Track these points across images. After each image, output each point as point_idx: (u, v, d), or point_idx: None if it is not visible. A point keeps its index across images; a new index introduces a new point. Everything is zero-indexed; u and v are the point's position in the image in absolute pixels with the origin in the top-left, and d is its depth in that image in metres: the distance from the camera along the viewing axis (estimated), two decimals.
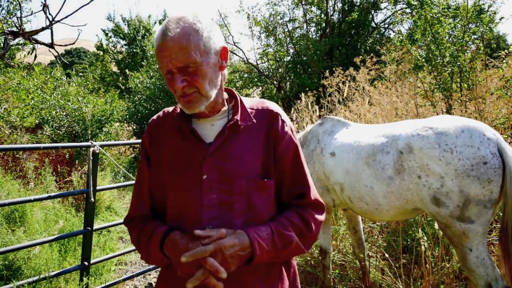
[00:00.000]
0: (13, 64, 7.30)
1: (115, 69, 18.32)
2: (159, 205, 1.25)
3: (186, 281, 1.03)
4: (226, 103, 1.25)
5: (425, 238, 2.58)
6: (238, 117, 1.19)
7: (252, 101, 1.29)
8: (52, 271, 2.98)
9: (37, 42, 7.16)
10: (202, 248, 1.02)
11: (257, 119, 1.22)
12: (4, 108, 5.57)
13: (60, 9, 6.99)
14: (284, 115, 1.27)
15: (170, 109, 1.31)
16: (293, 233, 1.16)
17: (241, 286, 1.14)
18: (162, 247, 1.13)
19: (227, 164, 1.16)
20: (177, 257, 1.07)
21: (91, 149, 2.96)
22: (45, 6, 6.71)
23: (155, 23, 18.44)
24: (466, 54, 4.62)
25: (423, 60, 4.99)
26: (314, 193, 1.27)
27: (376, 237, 3.58)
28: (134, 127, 11.06)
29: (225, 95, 1.26)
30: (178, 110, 1.27)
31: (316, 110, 5.33)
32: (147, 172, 1.26)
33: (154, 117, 1.32)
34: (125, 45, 17.81)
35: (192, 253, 1.01)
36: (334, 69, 6.24)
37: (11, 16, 7.29)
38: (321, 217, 1.25)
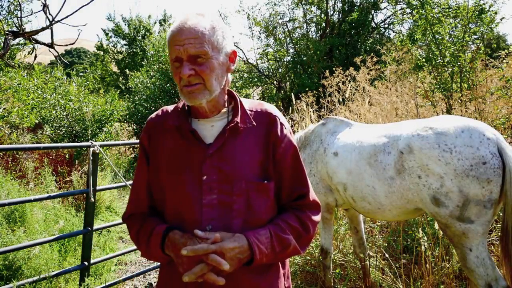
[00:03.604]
0: (13, 64, 7.30)
1: (115, 69, 18.33)
2: (158, 203, 1.26)
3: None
4: (226, 105, 1.25)
5: (425, 238, 2.58)
6: (238, 119, 1.20)
7: (251, 103, 1.30)
8: (52, 271, 2.98)
9: (37, 42, 7.16)
10: (205, 245, 1.04)
11: (256, 121, 1.23)
12: (4, 108, 5.57)
13: (60, 9, 6.98)
14: (282, 118, 1.28)
15: (169, 108, 1.31)
16: (291, 236, 1.18)
17: (240, 284, 1.15)
18: (163, 246, 1.14)
19: (227, 165, 1.17)
20: (177, 254, 1.09)
21: (91, 149, 2.96)
22: (45, 6, 6.71)
23: (155, 23, 18.46)
24: (466, 54, 4.62)
25: (423, 60, 4.98)
26: (312, 194, 1.30)
27: (376, 237, 3.58)
28: (134, 127, 11.06)
29: (226, 97, 1.27)
30: (178, 109, 1.27)
31: (315, 111, 5.33)
32: (145, 170, 1.27)
33: (153, 115, 1.32)
34: (125, 45, 17.82)
35: (193, 248, 1.03)
36: (334, 69, 6.23)
37: (12, 16, 7.29)
38: (317, 218, 1.28)
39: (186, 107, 1.27)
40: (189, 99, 1.14)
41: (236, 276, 1.12)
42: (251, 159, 1.19)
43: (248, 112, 1.24)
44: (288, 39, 13.68)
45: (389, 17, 14.35)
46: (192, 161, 1.18)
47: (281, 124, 1.25)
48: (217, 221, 1.14)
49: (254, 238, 1.11)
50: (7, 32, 6.40)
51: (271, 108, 1.29)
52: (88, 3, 6.93)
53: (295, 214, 1.23)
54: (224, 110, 1.24)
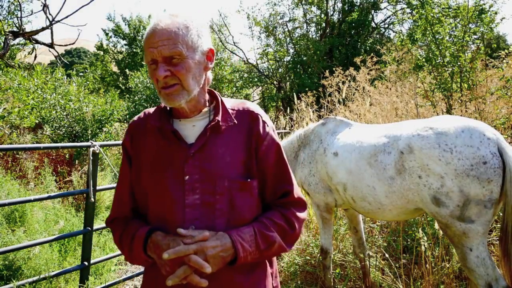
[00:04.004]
0: (13, 64, 7.30)
1: (115, 69, 18.33)
2: (141, 206, 1.25)
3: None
4: (207, 104, 1.25)
5: (425, 238, 2.58)
6: (219, 117, 1.20)
7: (233, 102, 1.29)
8: (52, 271, 2.98)
9: (37, 42, 7.17)
10: (185, 247, 1.03)
11: (238, 120, 1.23)
12: (4, 108, 5.57)
13: (60, 9, 6.99)
14: (265, 116, 1.28)
15: (151, 110, 1.30)
16: (276, 233, 1.17)
17: (225, 284, 1.14)
18: (145, 248, 1.13)
19: (209, 164, 1.16)
20: (160, 256, 1.07)
21: (91, 149, 2.96)
22: (45, 6, 6.72)
23: None
24: (466, 54, 4.62)
25: (423, 60, 4.98)
26: (297, 191, 1.28)
27: (376, 237, 3.58)
28: None
29: (207, 96, 1.27)
30: (160, 110, 1.26)
31: (315, 111, 5.32)
32: (128, 173, 1.26)
33: (135, 118, 1.32)
34: (125, 45, 17.83)
35: (174, 251, 1.02)
36: (334, 69, 6.23)
37: (12, 16, 7.29)
38: (303, 215, 1.27)
39: (167, 108, 1.27)
40: (168, 101, 1.13)
41: (220, 276, 1.11)
42: (234, 158, 1.18)
43: (230, 111, 1.24)
44: (288, 39, 13.68)
45: (389, 17, 14.36)
46: (174, 161, 1.17)
47: (264, 122, 1.25)
48: (200, 221, 1.13)
49: (237, 236, 1.10)
50: (7, 32, 6.39)
51: (253, 106, 1.29)
52: (88, 3, 6.93)
53: (279, 211, 1.23)
54: (205, 109, 1.24)
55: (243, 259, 1.10)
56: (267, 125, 1.26)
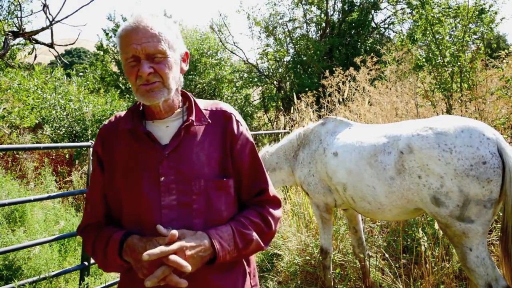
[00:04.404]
0: (13, 64, 7.30)
1: (115, 69, 18.31)
2: (114, 211, 1.23)
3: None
4: (180, 105, 1.25)
5: (425, 238, 2.58)
6: (193, 117, 1.20)
7: (206, 102, 1.30)
8: (52, 271, 2.98)
9: (37, 42, 7.16)
10: (164, 247, 1.01)
11: (212, 120, 1.23)
12: (4, 108, 5.57)
13: (60, 9, 6.99)
14: (238, 116, 1.29)
15: (122, 113, 1.29)
16: (253, 231, 1.18)
17: (204, 283, 1.14)
18: (121, 252, 1.11)
19: (184, 165, 1.16)
20: (136, 259, 1.05)
21: (91, 149, 2.97)
22: (45, 6, 6.72)
23: None
24: (466, 54, 4.61)
25: (423, 60, 4.98)
26: (272, 189, 1.30)
27: (376, 237, 3.58)
28: None
29: (180, 98, 1.27)
30: (131, 112, 1.25)
31: (315, 111, 5.32)
32: (100, 178, 1.23)
33: (106, 122, 1.31)
34: None
35: (153, 252, 1.00)
36: (334, 69, 6.23)
37: (12, 16, 7.29)
38: (279, 213, 1.28)
39: (140, 109, 1.26)
40: (148, 97, 1.13)
41: (198, 276, 1.10)
42: (209, 158, 1.19)
43: (203, 111, 1.24)
44: (288, 39, 13.67)
45: (389, 17, 14.35)
46: (149, 163, 1.16)
47: (237, 121, 1.26)
48: (177, 222, 1.12)
49: (216, 235, 1.11)
50: (7, 32, 6.40)
51: (226, 106, 1.29)
52: (88, 3, 6.93)
53: (256, 210, 1.24)
54: (179, 110, 1.24)
55: (222, 258, 1.10)
56: (241, 125, 1.27)
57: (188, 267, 1.01)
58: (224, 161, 1.21)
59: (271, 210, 1.25)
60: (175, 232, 1.04)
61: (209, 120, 1.22)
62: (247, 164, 1.25)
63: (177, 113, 1.23)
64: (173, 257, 1.00)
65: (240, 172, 1.24)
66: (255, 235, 1.18)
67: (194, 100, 1.26)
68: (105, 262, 1.17)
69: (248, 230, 1.17)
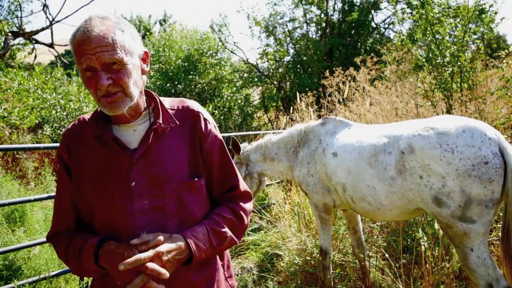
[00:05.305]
0: (13, 64, 7.30)
1: None
2: (86, 217, 1.21)
3: None
4: (146, 106, 1.23)
5: (425, 238, 2.58)
6: (160, 120, 1.18)
7: (172, 101, 1.28)
8: (52, 271, 2.98)
9: (37, 42, 7.16)
10: (140, 255, 1.01)
11: (179, 119, 1.22)
12: (5, 108, 5.57)
13: (60, 9, 6.99)
14: (205, 113, 1.28)
15: (86, 116, 1.25)
16: (227, 228, 1.20)
17: (181, 283, 1.14)
18: (97, 259, 1.10)
19: (155, 168, 1.15)
20: (114, 266, 1.04)
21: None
22: (45, 6, 6.72)
23: (156, 23, 18.46)
24: (466, 54, 4.61)
25: (423, 60, 4.98)
26: (243, 184, 1.31)
27: (376, 237, 3.58)
28: None
29: (144, 98, 1.24)
30: (96, 117, 1.21)
31: (315, 111, 5.32)
32: (68, 184, 1.21)
33: (69, 126, 1.27)
34: None
35: (129, 262, 1.00)
36: (334, 69, 6.23)
37: (12, 16, 7.29)
38: (250, 206, 1.31)
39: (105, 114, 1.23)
40: (111, 109, 1.09)
41: (175, 276, 1.10)
42: (179, 159, 1.18)
43: (170, 111, 1.23)
44: (288, 39, 13.67)
45: (389, 17, 14.36)
46: (118, 169, 1.14)
47: (205, 119, 1.25)
48: (151, 226, 1.12)
49: (191, 236, 1.11)
50: (7, 32, 6.39)
51: (193, 104, 1.28)
52: (88, 3, 6.93)
53: (228, 206, 1.25)
54: (145, 112, 1.22)
55: (198, 258, 1.11)
56: (209, 122, 1.26)
57: (166, 274, 1.02)
58: (194, 160, 1.20)
59: (242, 204, 1.28)
60: (149, 238, 1.06)
61: (177, 122, 1.21)
62: (217, 162, 1.25)
63: (144, 115, 1.21)
64: (151, 265, 1.01)
65: (211, 170, 1.24)
66: (228, 232, 1.20)
67: (159, 100, 1.23)
68: (79, 269, 1.16)
69: (221, 227, 1.19)
